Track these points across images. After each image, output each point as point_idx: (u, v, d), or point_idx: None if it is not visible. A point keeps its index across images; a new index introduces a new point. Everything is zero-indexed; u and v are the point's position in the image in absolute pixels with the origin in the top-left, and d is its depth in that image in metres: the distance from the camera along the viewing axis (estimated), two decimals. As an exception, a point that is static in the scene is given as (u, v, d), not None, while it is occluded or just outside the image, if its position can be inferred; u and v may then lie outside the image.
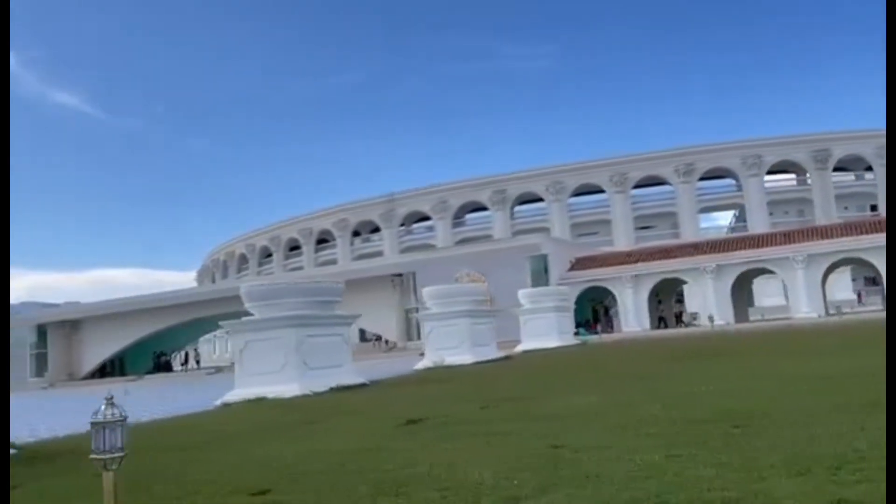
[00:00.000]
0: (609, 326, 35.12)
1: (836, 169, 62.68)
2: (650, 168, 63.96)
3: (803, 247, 30.67)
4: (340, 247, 75.25)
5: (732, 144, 62.97)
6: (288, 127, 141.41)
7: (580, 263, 35.68)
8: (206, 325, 54.87)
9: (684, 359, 13.29)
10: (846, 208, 61.74)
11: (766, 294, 50.12)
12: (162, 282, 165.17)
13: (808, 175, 63.16)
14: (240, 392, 14.00)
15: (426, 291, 22.66)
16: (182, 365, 52.21)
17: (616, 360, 15.85)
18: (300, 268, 76.64)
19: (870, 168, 61.71)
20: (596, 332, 33.42)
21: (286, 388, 13.60)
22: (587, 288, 35.55)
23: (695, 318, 36.90)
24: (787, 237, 32.32)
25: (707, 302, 32.34)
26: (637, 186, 65.20)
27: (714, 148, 63.46)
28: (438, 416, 7.97)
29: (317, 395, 14.05)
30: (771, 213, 61.93)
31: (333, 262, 73.71)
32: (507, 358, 22.06)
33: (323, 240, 79.18)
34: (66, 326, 48.75)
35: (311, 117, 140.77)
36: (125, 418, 3.68)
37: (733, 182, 65.98)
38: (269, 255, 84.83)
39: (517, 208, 69.74)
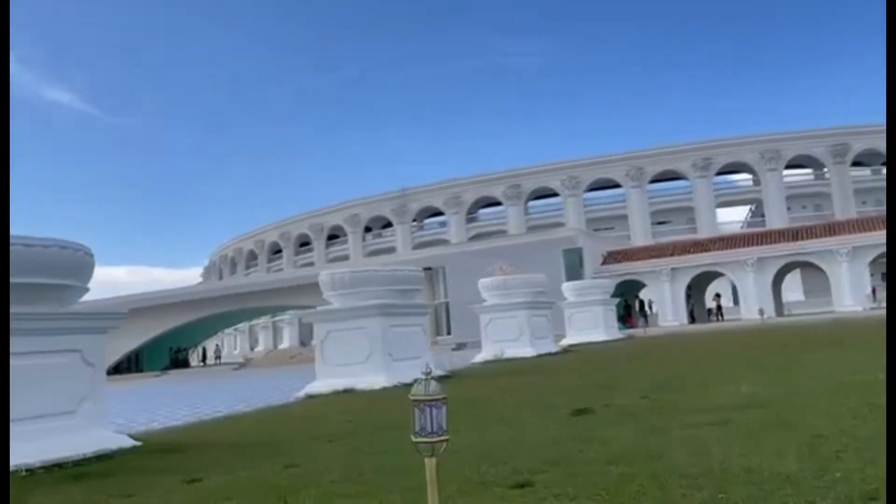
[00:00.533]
0: (644, 321, 34.68)
1: (853, 164, 62.45)
2: (667, 163, 63.59)
3: (848, 239, 30.32)
4: (352, 242, 74.74)
5: (751, 139, 62.63)
6: (289, 123, 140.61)
7: (612, 257, 35.30)
8: (225, 320, 54.44)
9: (790, 349, 12.85)
10: (864, 203, 61.46)
11: (788, 289, 49.84)
12: (159, 280, 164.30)
13: (825, 170, 62.92)
14: (323, 383, 13.52)
15: (483, 283, 22.24)
16: (201, 361, 51.61)
17: (705, 351, 15.39)
18: (311, 263, 76.15)
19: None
20: (633, 327, 33.08)
21: (373, 379, 13.13)
22: (620, 282, 35.26)
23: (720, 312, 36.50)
24: (830, 229, 31.98)
25: (747, 296, 32.00)
26: (653, 181, 64.95)
27: (732, 142, 63.10)
28: (602, 406, 7.51)
29: (406, 386, 13.61)
30: (788, 209, 61.67)
31: (345, 257, 73.29)
32: (565, 351, 21.64)
33: (334, 235, 78.68)
34: (82, 322, 48.03)
35: (311, 113, 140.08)
36: (445, 396, 3.18)
37: (749, 177, 65.89)
38: (279, 251, 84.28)
39: (531, 203, 69.36)
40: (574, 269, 33.39)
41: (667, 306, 33.28)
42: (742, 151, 62.36)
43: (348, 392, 12.93)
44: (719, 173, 63.96)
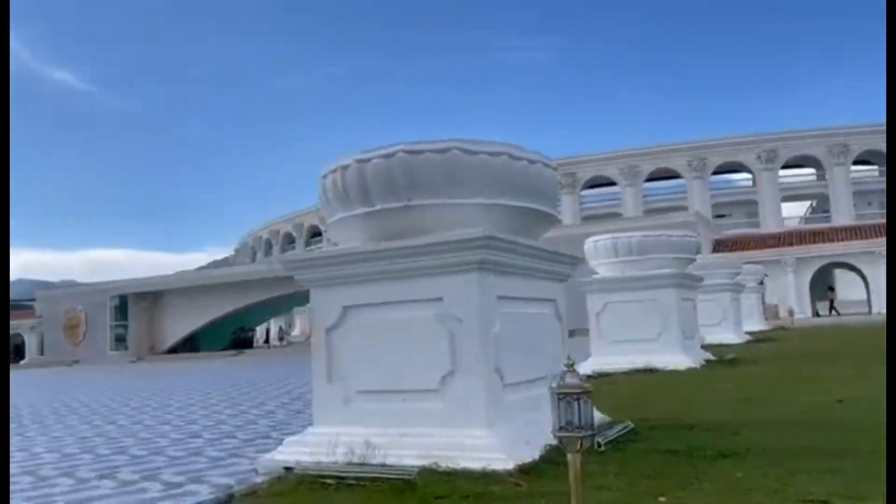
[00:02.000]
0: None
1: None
2: (731, 154, 62.25)
3: None
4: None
5: (818, 132, 61.29)
6: (290, 115, 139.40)
7: (722, 245, 33.98)
8: (295, 300, 52.88)
9: None
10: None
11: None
12: (159, 264, 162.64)
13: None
14: (604, 361, 12.14)
15: (595, 244, 19.63)
16: (265, 342, 50.13)
17: None
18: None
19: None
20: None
21: (672, 358, 11.78)
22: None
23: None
24: None
25: (880, 288, 30.60)
26: (715, 173, 63.54)
27: (799, 135, 61.77)
28: None
29: (705, 367, 12.25)
30: (854, 205, 60.38)
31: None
32: (732, 360, 20.22)
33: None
34: (147, 298, 46.69)
35: (315, 103, 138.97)
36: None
37: (813, 171, 64.52)
38: (317, 234, 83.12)
39: (584, 192, 67.82)
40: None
41: (790, 299, 31.84)
42: (809, 145, 61.00)
43: (650, 372, 11.58)
44: (784, 167, 62.56)
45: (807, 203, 68.52)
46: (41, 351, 48.71)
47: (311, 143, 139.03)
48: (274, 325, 58.13)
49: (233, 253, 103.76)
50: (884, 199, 63.14)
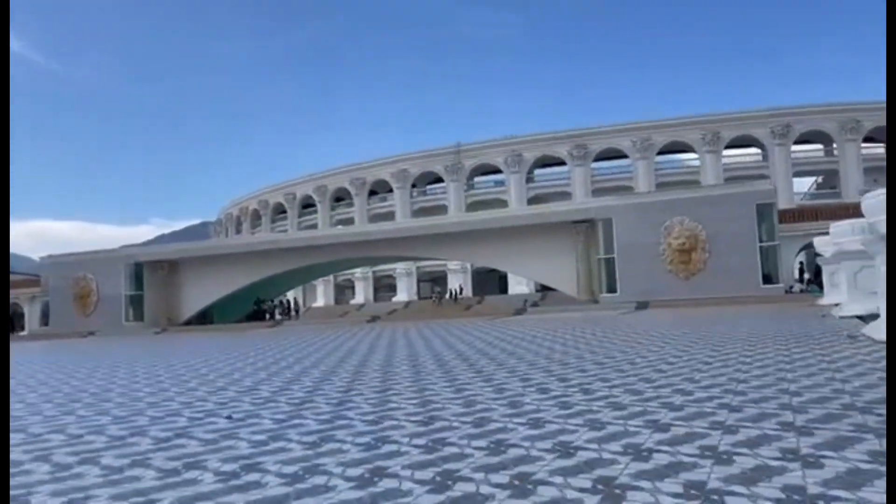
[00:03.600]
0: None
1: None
2: (745, 128, 62.44)
3: None
4: (399, 198, 71.82)
5: (831, 107, 61.76)
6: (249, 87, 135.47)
7: (787, 216, 33.57)
8: (312, 273, 50.99)
9: None
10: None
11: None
12: (108, 237, 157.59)
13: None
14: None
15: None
16: (282, 314, 48.12)
17: None
18: (350, 219, 73.39)
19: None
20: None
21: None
22: (806, 244, 33.66)
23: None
24: None
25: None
26: (728, 147, 63.66)
27: (812, 110, 62.18)
28: None
29: None
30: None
31: (389, 214, 70.75)
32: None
33: (373, 192, 75.94)
34: (164, 267, 44.22)
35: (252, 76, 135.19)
36: None
37: (821, 147, 65.16)
38: (309, 205, 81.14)
39: (595, 164, 67.34)
40: (770, 229, 31.48)
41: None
42: (821, 120, 61.46)
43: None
44: (796, 142, 62.96)
45: (811, 179, 69.46)
46: (44, 321, 45.90)
47: (281, 118, 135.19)
48: (293, 297, 56.23)
49: (214, 223, 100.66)
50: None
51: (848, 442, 4.23)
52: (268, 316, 47.30)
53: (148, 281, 43.69)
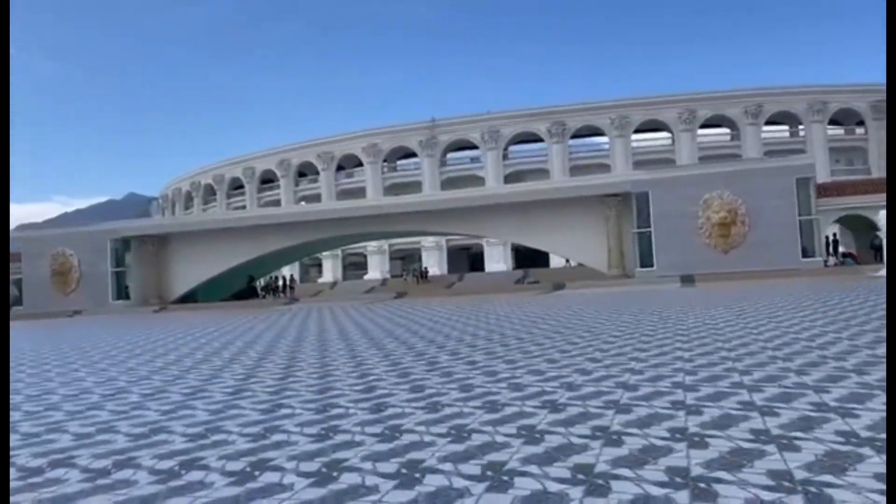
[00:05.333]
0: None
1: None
2: (719, 107, 63.96)
3: None
4: (370, 174, 69.95)
5: (800, 89, 63.88)
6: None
7: (824, 191, 34.17)
8: (308, 249, 48.64)
9: None
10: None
11: None
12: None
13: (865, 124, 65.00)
14: None
15: None
16: (280, 292, 45.75)
17: None
18: (316, 195, 71.18)
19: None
20: (859, 262, 32.13)
21: None
22: (837, 218, 34.34)
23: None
24: None
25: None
26: (703, 126, 65.02)
27: (782, 91, 64.13)
28: None
29: None
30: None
31: (358, 190, 69.02)
32: None
33: (340, 167, 73.70)
34: (153, 242, 41.16)
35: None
36: None
37: (786, 128, 67.36)
38: (268, 180, 78.15)
39: (572, 142, 67.35)
40: (808, 202, 31.84)
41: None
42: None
43: None
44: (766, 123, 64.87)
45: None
46: (18, 302, 42.00)
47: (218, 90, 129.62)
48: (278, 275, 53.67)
49: (157, 199, 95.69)
50: (852, 157, 67.23)
51: None
52: (262, 294, 45.03)
53: (136, 257, 40.70)
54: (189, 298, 42.36)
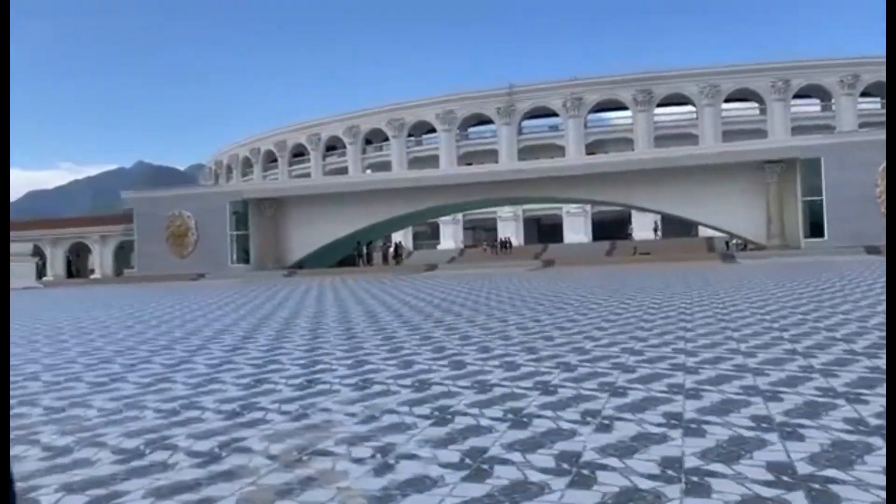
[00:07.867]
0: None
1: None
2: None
3: None
4: (444, 142, 67.80)
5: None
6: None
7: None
8: (421, 215, 46.78)
9: None
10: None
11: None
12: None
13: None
14: None
15: None
16: (393, 258, 44.15)
17: None
18: (386, 162, 69.69)
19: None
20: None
21: None
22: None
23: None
24: None
25: None
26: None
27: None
28: None
29: None
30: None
31: (432, 157, 67.49)
32: None
33: (410, 134, 72.07)
34: (271, 206, 39.53)
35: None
36: None
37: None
38: (333, 147, 76.78)
39: (658, 110, 65.41)
40: None
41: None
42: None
43: None
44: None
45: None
46: (121, 264, 40.55)
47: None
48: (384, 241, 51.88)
49: (209, 167, 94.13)
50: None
51: None
52: (364, 260, 43.61)
53: (254, 220, 38.87)
54: (296, 265, 40.98)
